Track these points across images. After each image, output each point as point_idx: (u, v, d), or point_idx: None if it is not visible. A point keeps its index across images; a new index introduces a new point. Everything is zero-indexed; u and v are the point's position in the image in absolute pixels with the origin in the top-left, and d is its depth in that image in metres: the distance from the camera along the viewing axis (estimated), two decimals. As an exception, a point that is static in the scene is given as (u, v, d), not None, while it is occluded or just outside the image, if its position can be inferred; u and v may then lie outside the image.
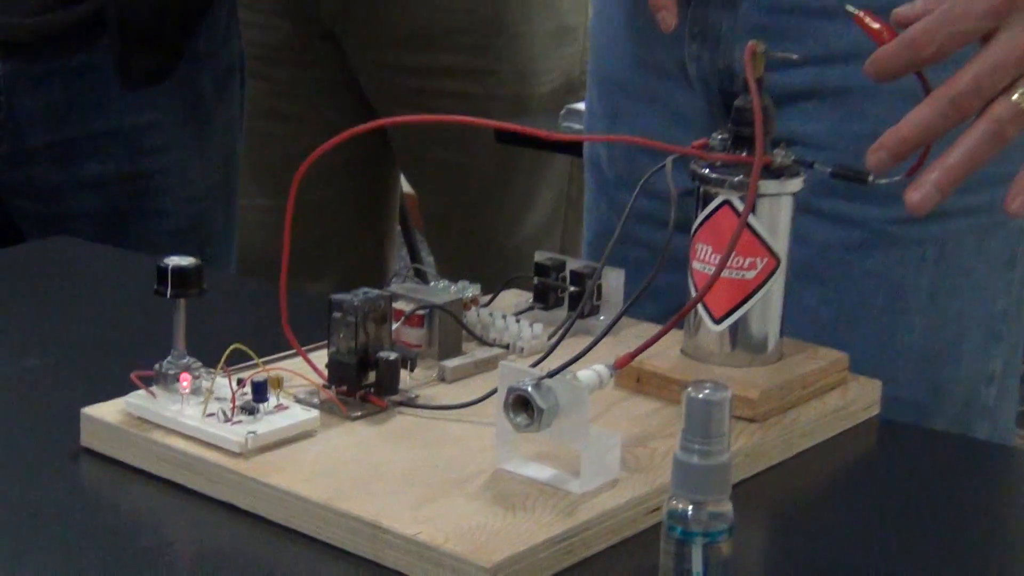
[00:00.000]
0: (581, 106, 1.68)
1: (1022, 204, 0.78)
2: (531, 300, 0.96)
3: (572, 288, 0.94)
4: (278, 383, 0.81)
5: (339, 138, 0.84)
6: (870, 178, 0.82)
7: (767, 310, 0.86)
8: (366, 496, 0.73)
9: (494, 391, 0.77)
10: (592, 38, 1.17)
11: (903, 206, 0.79)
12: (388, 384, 0.83)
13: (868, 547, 0.75)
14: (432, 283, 0.94)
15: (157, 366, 0.82)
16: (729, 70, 1.01)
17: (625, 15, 1.09)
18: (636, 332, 0.92)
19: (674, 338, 0.87)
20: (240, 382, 0.80)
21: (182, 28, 1.37)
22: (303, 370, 0.84)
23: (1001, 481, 0.87)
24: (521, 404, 0.74)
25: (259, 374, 0.80)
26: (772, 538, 0.78)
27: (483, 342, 0.91)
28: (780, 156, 0.85)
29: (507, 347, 0.91)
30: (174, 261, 0.81)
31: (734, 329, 0.86)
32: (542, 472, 0.76)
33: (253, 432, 0.77)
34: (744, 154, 0.85)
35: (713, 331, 0.86)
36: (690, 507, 0.62)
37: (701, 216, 0.86)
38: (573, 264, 0.95)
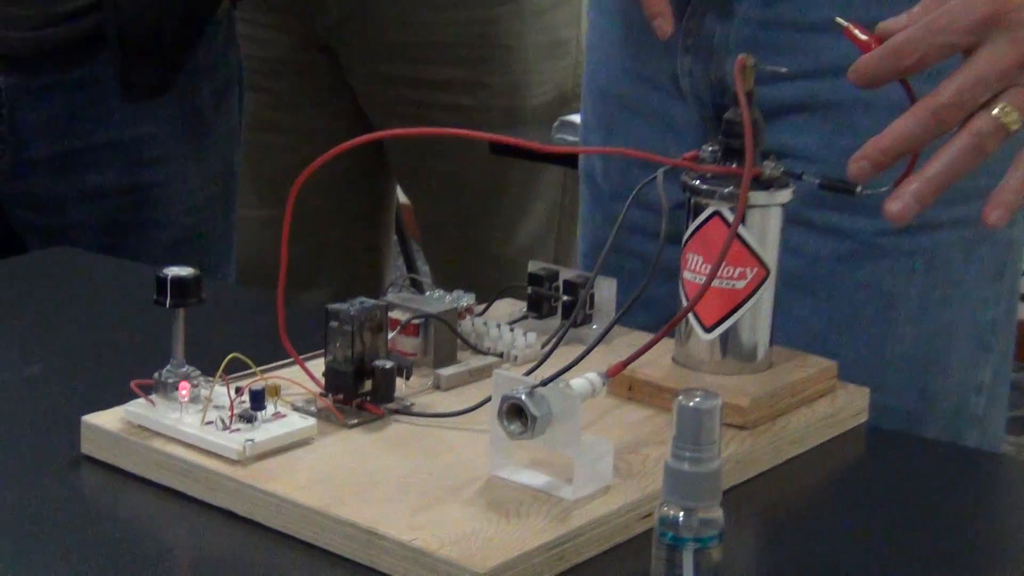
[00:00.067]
0: (574, 118, 1.69)
1: (999, 217, 0.79)
2: (525, 309, 0.97)
3: (565, 297, 0.95)
4: (276, 391, 0.81)
5: (336, 150, 0.84)
6: (858, 189, 0.82)
7: (757, 319, 0.87)
8: (362, 503, 0.73)
9: (488, 399, 0.78)
10: (587, 51, 1.18)
11: None
12: (384, 392, 0.83)
13: (857, 552, 0.76)
14: (428, 293, 0.95)
15: (156, 375, 0.82)
16: (721, 83, 1.02)
17: (620, 29, 1.10)
18: (628, 341, 0.92)
19: (666, 347, 0.87)
20: (238, 390, 0.80)
21: (181, 42, 1.37)
22: (300, 379, 0.85)
23: (989, 487, 0.88)
24: (515, 412, 0.74)
25: (257, 383, 0.81)
26: (762, 544, 0.79)
27: (477, 351, 0.92)
28: (769, 168, 0.85)
29: (501, 356, 0.92)
30: (173, 271, 0.82)
31: (725, 338, 0.87)
32: (535, 479, 0.76)
33: (251, 440, 0.78)
34: (734, 166, 0.85)
35: (704, 340, 0.87)
36: (681, 513, 0.63)
37: (692, 227, 0.86)
38: (566, 274, 0.96)
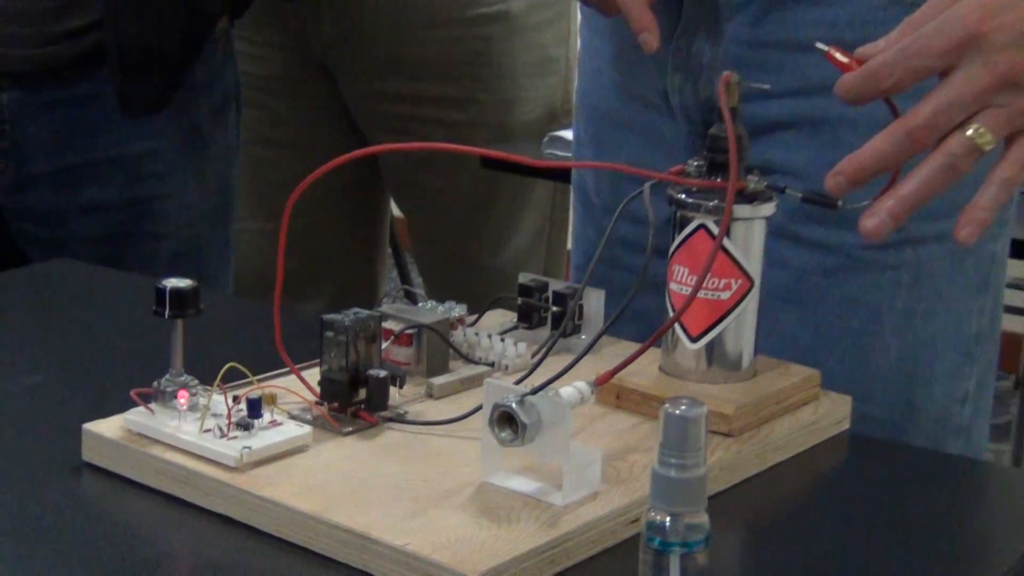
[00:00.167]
0: (564, 133, 1.71)
1: (970, 234, 0.79)
2: (515, 320, 0.97)
3: (555, 308, 0.95)
4: (272, 400, 0.82)
5: (331, 164, 0.85)
6: (839, 203, 0.83)
7: (742, 329, 0.88)
8: (356, 508, 0.74)
9: (479, 407, 0.79)
10: (580, 69, 1.18)
11: None
12: (378, 401, 0.84)
13: (841, 556, 0.77)
14: (421, 304, 0.95)
15: (156, 384, 0.83)
16: (710, 101, 1.02)
17: (611, 47, 1.10)
18: (616, 351, 0.93)
19: (653, 356, 0.88)
20: (236, 399, 0.81)
21: (180, 60, 1.38)
22: (296, 387, 0.85)
23: (971, 493, 0.88)
24: (506, 420, 0.75)
25: (254, 391, 0.81)
26: (747, 548, 0.80)
27: (469, 360, 0.93)
28: (753, 182, 0.86)
29: (492, 365, 0.92)
30: (172, 283, 0.82)
31: (710, 347, 0.88)
32: (526, 485, 0.77)
33: (248, 447, 0.78)
34: (719, 180, 0.86)
35: (690, 349, 0.88)
36: (668, 518, 0.64)
37: (678, 239, 0.87)
38: (556, 285, 0.96)
